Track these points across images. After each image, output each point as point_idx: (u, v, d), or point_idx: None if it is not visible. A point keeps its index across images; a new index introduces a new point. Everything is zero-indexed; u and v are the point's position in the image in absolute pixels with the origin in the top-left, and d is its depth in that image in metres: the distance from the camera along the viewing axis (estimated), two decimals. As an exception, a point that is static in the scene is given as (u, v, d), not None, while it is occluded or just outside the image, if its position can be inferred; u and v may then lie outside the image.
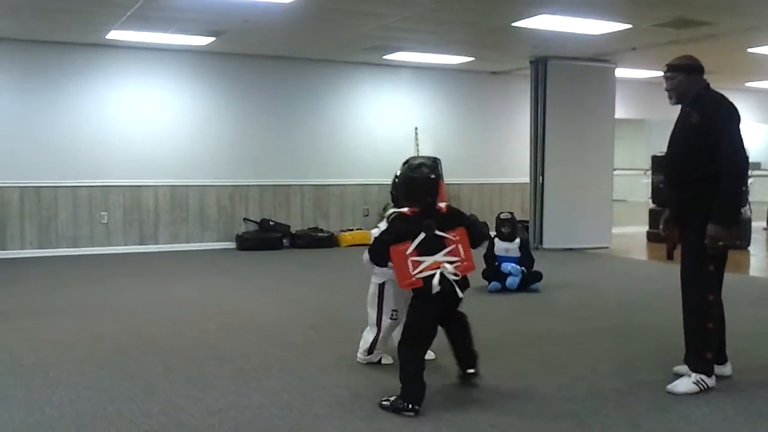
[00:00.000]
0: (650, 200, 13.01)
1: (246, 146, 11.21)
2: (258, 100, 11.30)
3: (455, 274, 4.08)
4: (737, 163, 4.31)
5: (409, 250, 4.03)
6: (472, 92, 12.69)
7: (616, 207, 13.60)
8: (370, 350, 4.86)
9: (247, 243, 10.90)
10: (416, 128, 12.35)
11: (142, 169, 10.61)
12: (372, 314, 4.85)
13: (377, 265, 4.41)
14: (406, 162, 4.46)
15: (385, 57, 11.15)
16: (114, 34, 9.36)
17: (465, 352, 4.50)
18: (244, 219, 11.25)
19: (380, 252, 4.18)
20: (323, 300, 7.18)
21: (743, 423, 3.89)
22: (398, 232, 4.12)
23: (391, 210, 4.36)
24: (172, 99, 10.83)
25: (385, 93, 12.21)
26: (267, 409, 4.03)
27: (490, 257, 7.70)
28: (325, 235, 11.29)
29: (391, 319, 4.81)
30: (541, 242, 10.96)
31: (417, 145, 12.31)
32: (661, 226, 5.02)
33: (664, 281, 8.63)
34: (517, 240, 7.73)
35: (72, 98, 10.22)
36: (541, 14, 8.05)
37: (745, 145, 4.36)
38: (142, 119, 10.62)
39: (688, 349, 4.49)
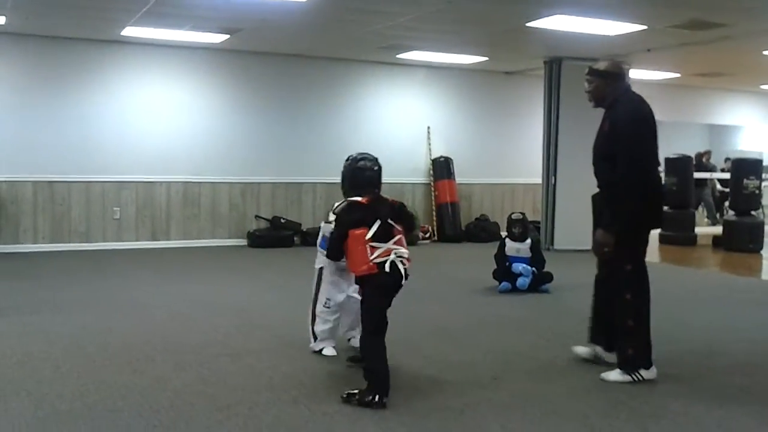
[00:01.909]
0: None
1: (259, 143, 11.23)
2: (271, 97, 11.31)
3: (402, 262, 4.18)
4: (630, 172, 4.38)
5: (368, 236, 4.13)
6: (486, 92, 12.66)
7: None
8: (313, 337, 5.07)
9: (258, 240, 10.92)
10: (429, 127, 12.34)
11: (155, 165, 10.64)
12: (311, 301, 5.08)
13: (334, 260, 4.52)
14: (349, 158, 4.63)
15: (398, 56, 11.15)
16: (129, 31, 9.39)
17: None
18: (256, 216, 11.27)
19: (338, 246, 4.27)
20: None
21: (755, 427, 3.87)
22: (354, 219, 4.21)
23: (341, 201, 4.46)
24: (186, 96, 10.86)
25: (398, 92, 12.21)
26: (276, 406, 4.04)
27: (501, 257, 7.68)
28: (337, 233, 11.27)
29: (324, 306, 4.99)
30: (552, 243, 10.94)
31: (429, 144, 12.31)
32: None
33: (674, 282, 8.61)
34: (528, 240, 7.71)
35: (86, 94, 10.26)
36: (555, 14, 8.02)
37: (649, 156, 4.46)
38: (156, 116, 10.65)
39: (617, 345, 4.66)
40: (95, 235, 10.37)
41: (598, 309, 4.87)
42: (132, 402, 4.06)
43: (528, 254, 7.65)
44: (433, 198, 12.26)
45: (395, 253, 4.16)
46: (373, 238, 4.14)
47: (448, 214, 12.14)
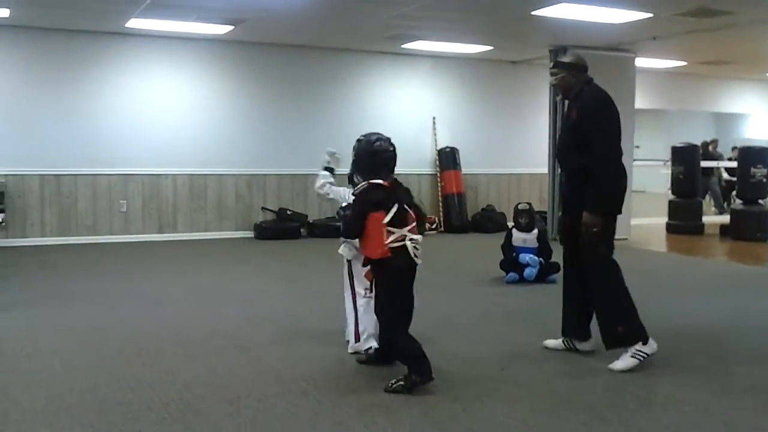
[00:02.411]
0: (670, 191, 12.92)
1: (264, 135, 11.22)
2: (276, 88, 11.30)
3: (416, 248, 4.19)
4: (609, 156, 4.55)
5: (386, 220, 4.12)
6: (491, 82, 12.63)
7: (635, 198, 13.49)
8: (356, 337, 4.82)
9: (265, 232, 10.93)
10: (434, 118, 12.32)
11: (161, 158, 10.65)
12: (347, 297, 4.86)
13: (353, 238, 4.44)
14: (360, 139, 4.47)
15: (403, 46, 11.12)
16: (134, 23, 9.38)
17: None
18: (262, 208, 11.28)
19: (359, 224, 4.22)
20: (341, 289, 7.18)
21: (763, 417, 3.87)
22: (376, 201, 4.17)
23: (362, 184, 4.29)
24: (191, 88, 10.86)
25: (403, 82, 12.18)
26: (285, 398, 4.05)
27: (508, 248, 7.68)
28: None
29: (365, 297, 4.77)
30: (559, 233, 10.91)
31: (435, 135, 12.29)
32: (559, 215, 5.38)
33: (683, 273, 8.61)
34: (535, 231, 7.70)
35: (91, 87, 10.26)
36: (560, 3, 7.99)
37: (618, 139, 4.62)
38: (161, 108, 10.66)
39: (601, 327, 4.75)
40: (102, 229, 10.39)
41: (567, 301, 4.95)
42: (142, 395, 4.08)
43: (535, 244, 7.64)
44: (439, 189, 12.25)
45: (410, 240, 4.17)
46: (390, 223, 4.14)
47: (454, 204, 12.13)
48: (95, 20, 9.41)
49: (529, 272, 7.47)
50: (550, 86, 11.07)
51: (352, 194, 4.37)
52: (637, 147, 12.45)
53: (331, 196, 5.02)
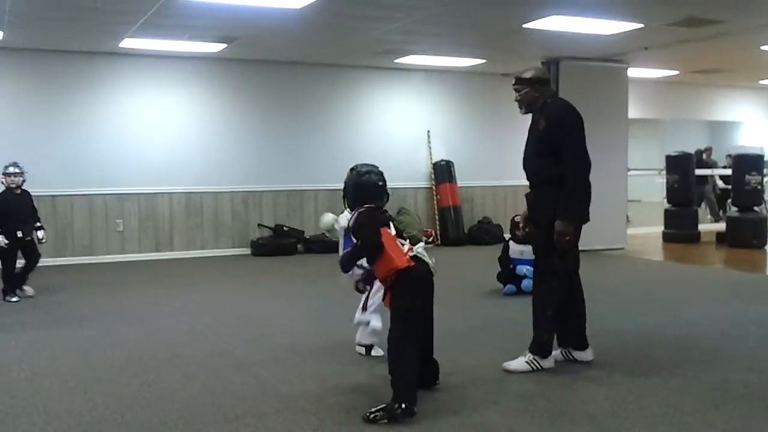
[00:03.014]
0: (665, 200, 12.95)
1: (259, 151, 11.24)
2: (270, 105, 11.33)
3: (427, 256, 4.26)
4: (580, 164, 4.64)
5: (394, 233, 4.24)
6: (485, 94, 12.66)
7: (630, 207, 13.55)
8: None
9: (261, 249, 10.93)
10: (428, 131, 12.35)
11: (157, 177, 10.66)
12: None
13: (373, 258, 4.24)
14: (353, 168, 4.56)
15: (396, 60, 11.16)
16: (127, 43, 9.41)
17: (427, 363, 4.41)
18: (259, 225, 11.28)
19: (377, 239, 4.15)
20: (339, 305, 7.17)
21: (763, 424, 3.87)
22: (378, 221, 4.27)
23: (359, 209, 4.37)
24: (186, 106, 10.88)
25: (397, 97, 12.22)
26: (284, 415, 4.04)
27: (505, 260, 7.68)
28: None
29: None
30: (555, 244, 10.91)
31: (430, 148, 12.31)
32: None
33: (680, 282, 8.61)
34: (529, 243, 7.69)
35: (86, 107, 10.28)
36: (551, 15, 8.03)
37: (586, 146, 4.69)
38: (156, 127, 10.67)
39: (533, 331, 4.86)
40: (99, 248, 10.39)
41: (560, 312, 4.94)
42: (140, 415, 4.07)
43: (532, 256, 7.60)
44: (435, 202, 12.27)
45: (416, 249, 4.25)
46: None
47: (450, 217, 12.15)
48: (89, 41, 9.44)
49: (526, 284, 7.45)
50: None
51: (350, 225, 4.38)
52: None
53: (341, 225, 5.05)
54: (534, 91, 4.84)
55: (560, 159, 4.64)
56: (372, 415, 3.90)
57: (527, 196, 4.99)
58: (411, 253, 4.20)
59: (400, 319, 4.11)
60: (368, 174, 4.47)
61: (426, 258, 4.26)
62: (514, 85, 4.92)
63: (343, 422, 3.93)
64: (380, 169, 4.58)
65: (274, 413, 4.07)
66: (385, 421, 3.86)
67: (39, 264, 7.76)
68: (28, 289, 7.68)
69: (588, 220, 4.80)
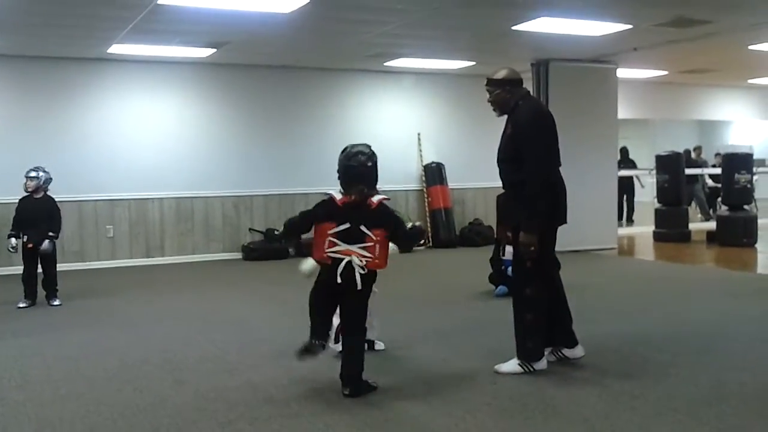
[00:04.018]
0: (655, 200, 12.99)
1: (250, 156, 11.22)
2: (261, 109, 11.32)
3: (362, 268, 4.32)
4: (538, 171, 4.63)
5: (331, 231, 4.33)
6: (475, 97, 12.56)
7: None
8: (336, 338, 4.96)
9: (253, 253, 10.90)
10: (419, 134, 12.35)
11: (147, 182, 10.63)
12: None
13: (286, 238, 4.66)
14: (345, 148, 4.58)
15: (386, 64, 11.17)
16: (116, 48, 9.39)
17: (343, 368, 4.57)
18: (250, 229, 11.26)
19: (297, 226, 4.59)
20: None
21: (755, 423, 3.88)
22: (324, 214, 4.43)
23: (329, 193, 4.53)
24: (175, 111, 10.86)
25: (387, 100, 12.22)
26: (277, 420, 4.03)
27: (497, 261, 7.68)
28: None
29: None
30: (546, 245, 10.92)
31: (420, 150, 12.32)
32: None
33: (672, 282, 8.63)
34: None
35: (75, 113, 10.25)
36: (540, 17, 8.05)
37: (551, 154, 4.72)
38: (146, 132, 10.65)
39: (515, 337, 4.86)
40: (89, 254, 10.35)
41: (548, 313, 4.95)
42: (133, 421, 4.05)
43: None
44: (426, 204, 12.27)
45: (355, 257, 4.31)
46: (338, 236, 4.33)
47: (442, 219, 12.15)
48: (77, 47, 9.41)
49: (518, 285, 7.46)
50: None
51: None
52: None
53: None
54: (505, 93, 4.83)
55: (521, 165, 4.65)
56: (299, 354, 4.41)
57: (498, 198, 5.01)
58: (336, 255, 4.31)
59: (311, 296, 4.56)
60: (356, 155, 4.48)
61: (342, 267, 4.30)
62: (486, 86, 4.92)
63: (336, 424, 3.92)
64: (374, 152, 4.56)
65: (266, 418, 4.06)
66: (302, 354, 4.38)
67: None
68: (55, 301, 7.64)
69: (563, 222, 4.82)
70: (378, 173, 4.53)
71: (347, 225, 4.33)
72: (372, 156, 4.50)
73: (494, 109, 4.92)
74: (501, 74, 4.89)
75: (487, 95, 4.93)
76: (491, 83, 4.90)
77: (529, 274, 4.74)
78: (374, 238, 4.34)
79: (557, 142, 4.77)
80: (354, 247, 4.32)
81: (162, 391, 4.58)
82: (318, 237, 4.39)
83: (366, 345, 5.10)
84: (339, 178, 4.52)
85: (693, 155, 16.22)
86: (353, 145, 4.56)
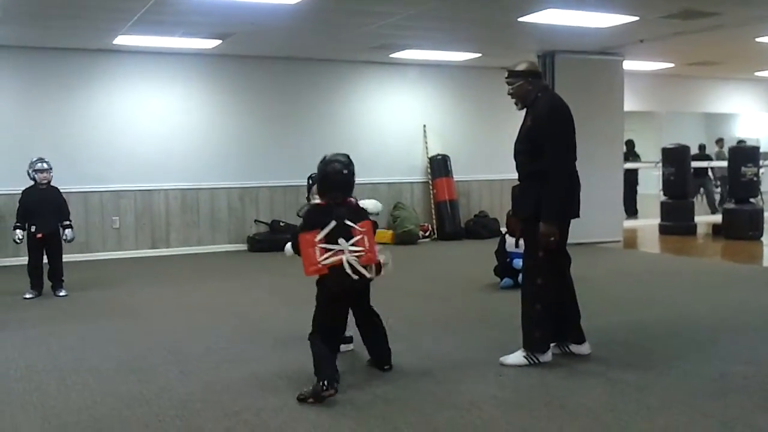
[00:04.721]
0: (661, 192, 12.96)
1: (255, 147, 11.22)
2: (266, 101, 11.31)
3: (357, 263, 4.33)
4: (561, 163, 4.66)
5: (318, 238, 4.28)
6: (480, 88, 12.64)
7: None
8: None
9: (258, 245, 10.91)
10: (425, 126, 12.33)
11: (153, 173, 10.64)
12: None
13: (297, 254, 4.58)
14: (323, 159, 4.62)
15: (391, 55, 11.14)
16: (121, 39, 9.38)
17: (378, 350, 4.77)
18: (255, 221, 11.26)
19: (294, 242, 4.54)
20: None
21: (760, 416, 3.87)
22: (311, 222, 4.38)
23: (306, 205, 4.59)
24: (181, 102, 10.86)
25: (392, 91, 12.20)
26: (283, 411, 4.03)
27: (502, 253, 7.68)
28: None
29: None
30: (552, 237, 10.91)
31: (426, 142, 12.30)
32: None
33: (677, 274, 8.62)
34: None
35: (80, 104, 10.26)
36: (547, 8, 8.02)
37: (570, 147, 4.71)
38: (151, 123, 10.65)
39: (522, 328, 4.86)
40: (95, 245, 10.37)
41: (556, 306, 4.95)
42: (138, 412, 4.06)
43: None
44: (431, 196, 12.26)
45: (349, 255, 4.30)
46: (327, 240, 4.29)
47: (447, 211, 12.14)
48: (82, 38, 9.41)
49: (523, 277, 7.46)
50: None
51: (297, 215, 4.60)
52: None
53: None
54: (527, 84, 4.82)
55: (543, 157, 4.65)
56: (299, 396, 4.17)
57: (514, 188, 5.02)
58: (331, 260, 4.27)
59: (316, 317, 4.56)
60: (333, 163, 4.52)
61: (347, 267, 4.29)
62: (506, 78, 4.90)
63: (342, 416, 3.93)
64: (351, 161, 4.58)
65: (272, 409, 4.07)
66: (311, 399, 4.11)
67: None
68: (61, 291, 7.67)
69: (577, 216, 4.82)
70: (354, 183, 4.58)
71: (333, 223, 4.32)
72: (349, 165, 4.55)
73: (515, 102, 4.90)
74: (523, 66, 4.88)
75: (507, 87, 4.90)
76: (513, 75, 4.87)
77: (542, 265, 4.75)
78: (361, 229, 4.37)
79: (575, 135, 4.77)
80: (345, 245, 4.32)
81: (167, 382, 4.59)
82: (305, 249, 4.31)
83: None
84: (317, 185, 4.59)
85: (716, 147, 16.21)
86: (333, 154, 4.61)
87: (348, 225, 4.35)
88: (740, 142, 15.96)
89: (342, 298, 4.50)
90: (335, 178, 4.47)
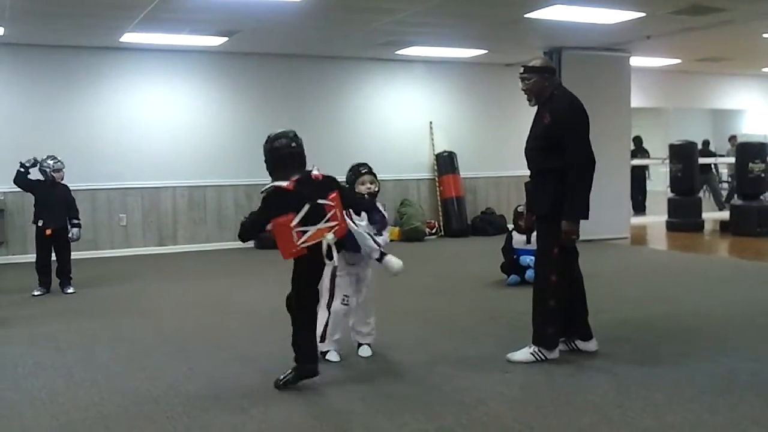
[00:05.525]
0: (669, 189, 12.93)
1: (262, 144, 11.17)
2: (272, 98, 11.31)
3: (334, 239, 4.27)
4: (584, 163, 4.64)
5: (293, 223, 4.16)
6: (487, 85, 12.63)
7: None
8: (321, 337, 4.86)
9: (265, 242, 10.89)
10: (431, 123, 12.33)
11: (160, 171, 10.67)
12: (322, 300, 4.91)
13: (242, 241, 4.56)
14: (267, 139, 4.51)
15: (397, 52, 11.14)
16: (128, 37, 9.40)
17: None
18: (262, 218, 11.26)
19: (252, 231, 4.55)
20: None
21: (767, 412, 3.87)
22: (277, 207, 4.21)
23: (267, 186, 4.34)
24: (187, 100, 10.87)
25: (399, 88, 12.19)
26: (290, 408, 4.04)
27: (509, 250, 7.68)
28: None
29: (342, 304, 4.90)
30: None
31: (432, 139, 12.29)
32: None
33: (684, 271, 8.60)
34: (535, 232, 7.68)
35: (87, 102, 10.29)
36: (554, 5, 8.01)
37: (590, 143, 4.70)
38: (158, 121, 10.68)
39: (533, 324, 4.85)
40: (103, 243, 10.40)
41: (566, 303, 4.94)
42: (146, 409, 4.08)
43: (535, 246, 7.62)
44: (438, 193, 12.26)
45: (328, 234, 4.22)
46: (303, 223, 4.18)
47: (453, 208, 12.13)
48: (90, 36, 9.43)
49: (530, 274, 7.43)
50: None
51: (260, 193, 4.38)
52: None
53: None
54: (543, 80, 4.81)
55: (561, 153, 4.63)
56: (280, 382, 4.29)
57: (526, 184, 5.03)
58: (310, 243, 4.19)
59: (294, 285, 4.55)
60: (279, 139, 4.41)
61: (325, 247, 4.21)
62: (521, 74, 4.87)
63: (348, 412, 3.94)
64: (297, 135, 4.54)
65: (279, 405, 4.08)
66: (292, 382, 4.26)
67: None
68: (69, 289, 7.70)
69: (587, 217, 4.80)
70: (305, 156, 4.44)
71: (307, 206, 4.18)
72: (296, 138, 4.45)
73: (529, 98, 4.89)
74: (538, 62, 4.89)
75: (521, 83, 4.87)
76: (529, 71, 4.85)
77: (557, 262, 4.75)
78: (332, 204, 4.26)
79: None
80: (322, 225, 4.21)
81: (175, 380, 4.60)
82: (280, 234, 4.19)
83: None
84: (267, 167, 4.43)
85: (728, 145, 16.16)
86: (275, 133, 4.52)
87: (320, 204, 4.23)
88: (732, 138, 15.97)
89: (319, 276, 4.48)
90: (286, 151, 4.35)
